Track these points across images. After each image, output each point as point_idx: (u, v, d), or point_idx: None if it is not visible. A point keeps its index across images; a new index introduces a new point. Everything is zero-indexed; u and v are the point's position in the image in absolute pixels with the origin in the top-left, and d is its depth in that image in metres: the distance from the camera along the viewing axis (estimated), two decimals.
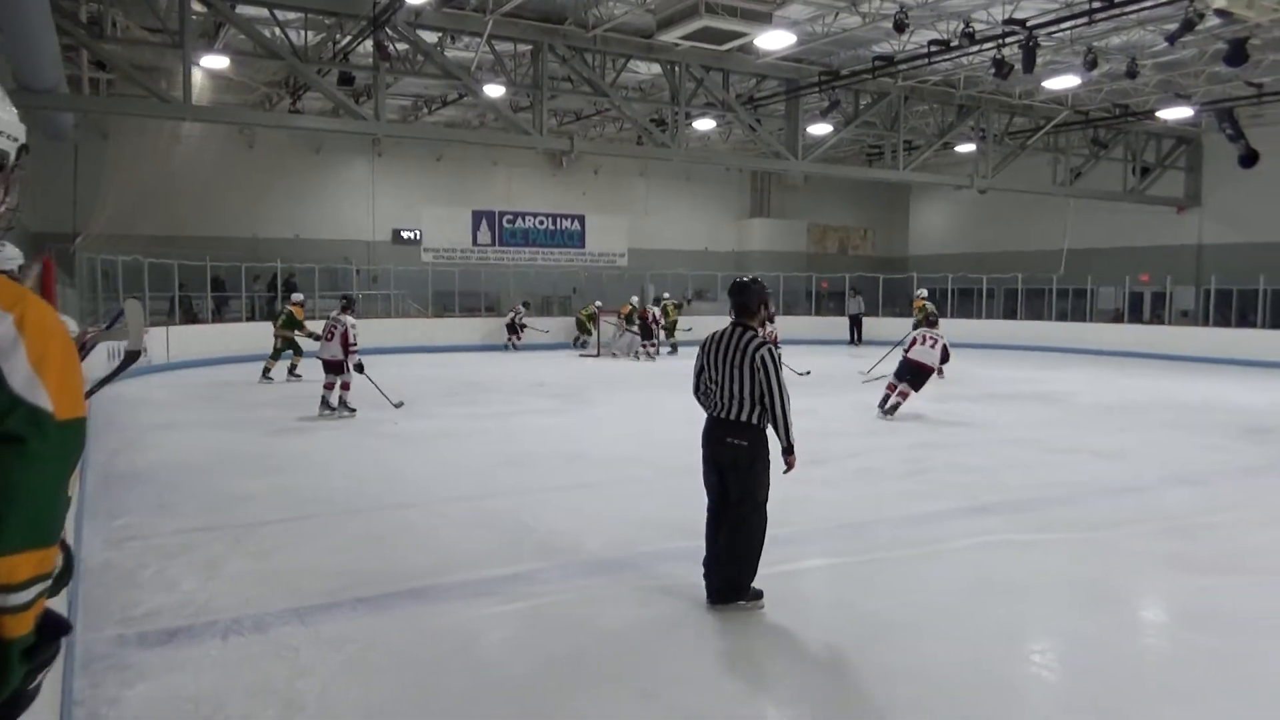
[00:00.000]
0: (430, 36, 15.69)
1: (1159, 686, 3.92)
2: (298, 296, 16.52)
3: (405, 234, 26.43)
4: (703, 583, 4.70)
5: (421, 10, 13.87)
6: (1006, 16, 14.53)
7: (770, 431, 4.60)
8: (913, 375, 11.28)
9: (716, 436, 4.65)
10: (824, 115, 19.68)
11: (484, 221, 27.54)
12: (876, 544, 5.75)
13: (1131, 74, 16.05)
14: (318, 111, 19.91)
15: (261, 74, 19.12)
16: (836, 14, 15.09)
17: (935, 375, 11.79)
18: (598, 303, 22.49)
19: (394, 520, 6.44)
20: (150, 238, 18.58)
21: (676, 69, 17.62)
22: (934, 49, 15.88)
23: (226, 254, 21.13)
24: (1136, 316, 24.08)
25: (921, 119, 22.22)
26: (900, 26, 13.82)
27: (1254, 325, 20.77)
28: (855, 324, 25.95)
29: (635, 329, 20.87)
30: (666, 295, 23.60)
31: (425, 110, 22.48)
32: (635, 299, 22.11)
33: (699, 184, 30.51)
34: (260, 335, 20.24)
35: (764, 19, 12.97)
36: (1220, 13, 10.89)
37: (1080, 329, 23.34)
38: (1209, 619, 4.66)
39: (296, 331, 15.10)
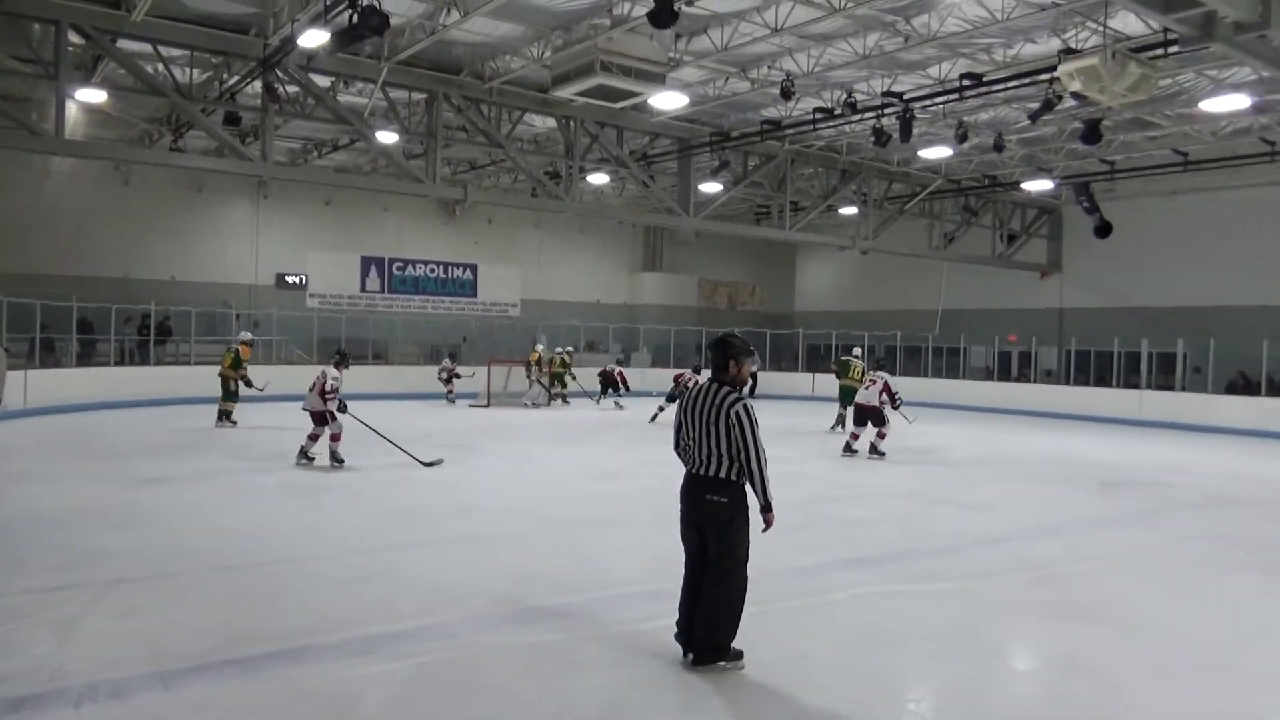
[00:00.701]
0: (323, 80, 15.51)
1: None
2: (246, 335, 16.39)
3: (290, 278, 25.72)
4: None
5: (315, 54, 13.70)
6: (885, 89, 15.35)
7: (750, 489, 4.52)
8: (860, 416, 13.04)
9: (695, 493, 4.59)
10: (714, 174, 20.26)
11: (373, 268, 27.08)
12: (765, 596, 5.80)
13: (998, 148, 17.15)
14: (201, 150, 19.34)
15: (142, 109, 18.48)
16: (727, 78, 15.64)
17: (892, 411, 13.15)
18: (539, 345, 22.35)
19: (268, 577, 6.18)
20: (12, 275, 17.55)
21: (572, 124, 17.87)
22: (818, 116, 16.63)
23: (96, 295, 20.11)
24: (1005, 374, 25.38)
25: (807, 181, 23.10)
26: (787, 94, 14.41)
27: (1109, 384, 22.15)
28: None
29: (545, 379, 21.02)
30: (570, 348, 23.73)
31: (315, 153, 22.09)
32: (541, 347, 22.10)
33: (593, 236, 30.82)
34: (130, 380, 19.38)
35: (658, 80, 13.32)
36: (1076, 95, 11.76)
37: (954, 385, 24.42)
38: (1077, 666, 4.88)
39: (238, 372, 15.10)
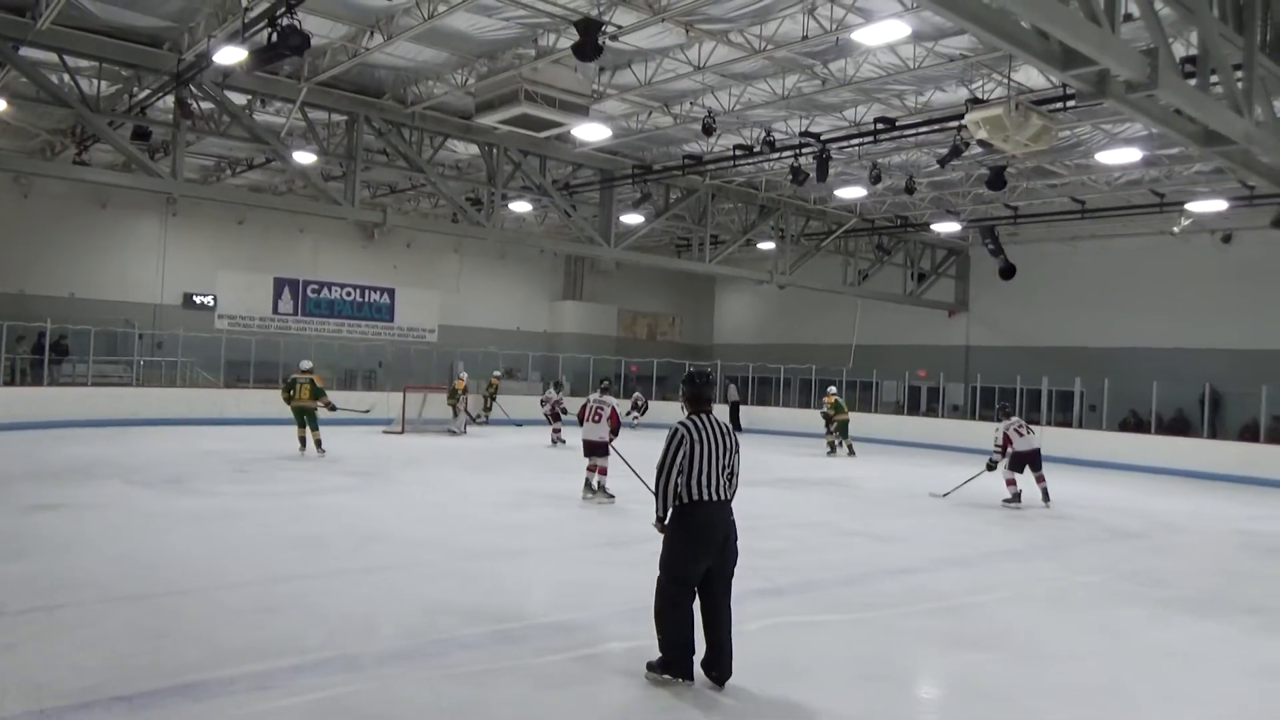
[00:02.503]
0: (239, 98, 15.18)
1: None
2: (307, 364, 16.07)
3: (198, 299, 24.94)
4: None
5: (231, 71, 13.42)
6: (803, 129, 15.79)
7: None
8: None
9: (726, 518, 4.97)
10: (636, 206, 20.47)
11: (287, 289, 26.44)
12: None
13: (910, 190, 17.77)
14: (107, 164, 18.66)
15: (45, 120, 17.78)
16: (650, 112, 15.86)
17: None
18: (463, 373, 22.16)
19: (164, 609, 5.93)
20: None
21: (494, 151, 17.86)
22: (738, 153, 16.98)
23: None
24: (915, 409, 26.07)
25: (727, 215, 23.50)
26: (708, 130, 14.68)
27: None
28: (734, 411, 26.41)
29: (469, 407, 21.04)
30: (497, 373, 23.74)
31: (228, 171, 21.53)
32: (465, 375, 21.95)
33: (513, 264, 30.73)
34: (23, 400, 18.46)
35: (581, 111, 13.42)
36: (982, 143, 12.28)
37: (867, 419, 24.96)
38: (978, 694, 5.03)
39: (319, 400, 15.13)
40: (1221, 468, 18.50)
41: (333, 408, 15.51)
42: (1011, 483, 12.76)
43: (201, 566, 7.07)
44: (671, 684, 4.74)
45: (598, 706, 4.55)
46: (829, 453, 19.98)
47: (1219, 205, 17.86)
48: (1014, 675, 5.35)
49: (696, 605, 4.85)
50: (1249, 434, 19.54)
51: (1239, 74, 8.50)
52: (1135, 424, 21.50)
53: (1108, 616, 6.93)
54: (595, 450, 11.29)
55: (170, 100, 14.20)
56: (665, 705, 4.57)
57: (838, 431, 20.04)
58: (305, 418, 15.30)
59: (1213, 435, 20.12)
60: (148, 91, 14.64)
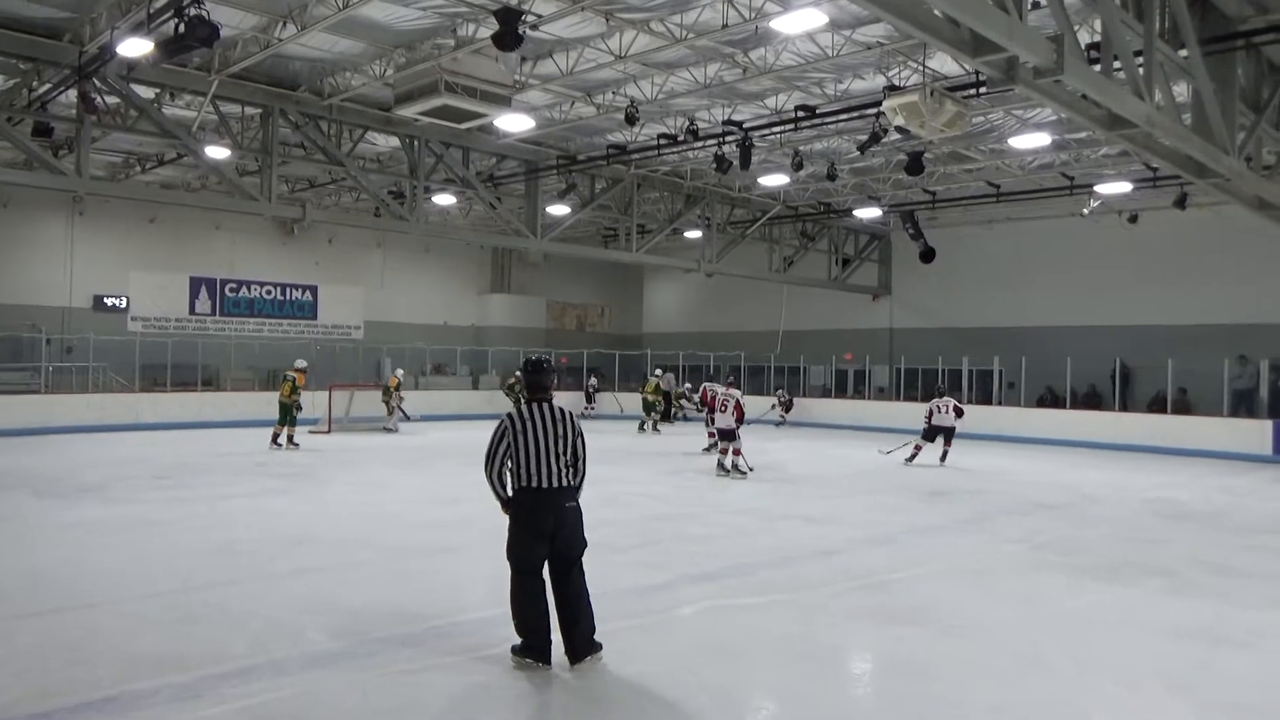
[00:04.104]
0: (147, 91, 14.64)
1: None
2: (302, 363, 17.58)
3: (109, 301, 24.05)
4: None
5: (137, 64, 12.93)
6: (726, 118, 15.89)
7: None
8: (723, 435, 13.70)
9: (556, 504, 4.95)
10: (562, 196, 20.38)
11: (204, 289, 25.66)
12: (606, 615, 5.83)
13: (831, 176, 18.04)
14: (6, 162, 17.82)
15: None
16: (573, 103, 15.78)
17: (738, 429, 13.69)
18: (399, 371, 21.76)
19: (79, 622, 5.72)
20: None
21: (416, 143, 17.58)
22: (662, 142, 17.03)
23: None
24: (842, 392, 26.55)
25: (653, 205, 23.54)
26: (631, 119, 14.68)
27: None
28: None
29: (400, 403, 20.69)
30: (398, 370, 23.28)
31: (138, 168, 20.77)
32: (401, 372, 21.63)
33: (439, 257, 30.33)
34: None
35: (503, 102, 13.28)
36: (900, 129, 12.52)
37: (796, 403, 25.33)
38: (906, 667, 5.16)
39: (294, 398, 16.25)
40: (1132, 439, 19.30)
41: (299, 408, 16.63)
42: (918, 448, 15.63)
43: (118, 577, 6.84)
44: (532, 668, 4.84)
45: (535, 702, 4.54)
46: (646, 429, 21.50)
47: (1125, 187, 18.54)
48: (939, 648, 5.50)
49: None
50: (1157, 406, 20.40)
51: (1139, 60, 8.83)
52: (1051, 400, 22.27)
53: (1028, 586, 7.18)
54: (726, 435, 13.34)
55: (73, 94, 13.63)
56: (600, 697, 4.59)
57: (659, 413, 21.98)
58: (285, 413, 16.39)
59: (1123, 408, 20.96)
60: (48, 85, 14.02)
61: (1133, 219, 20.58)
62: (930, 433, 15.59)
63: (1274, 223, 14.02)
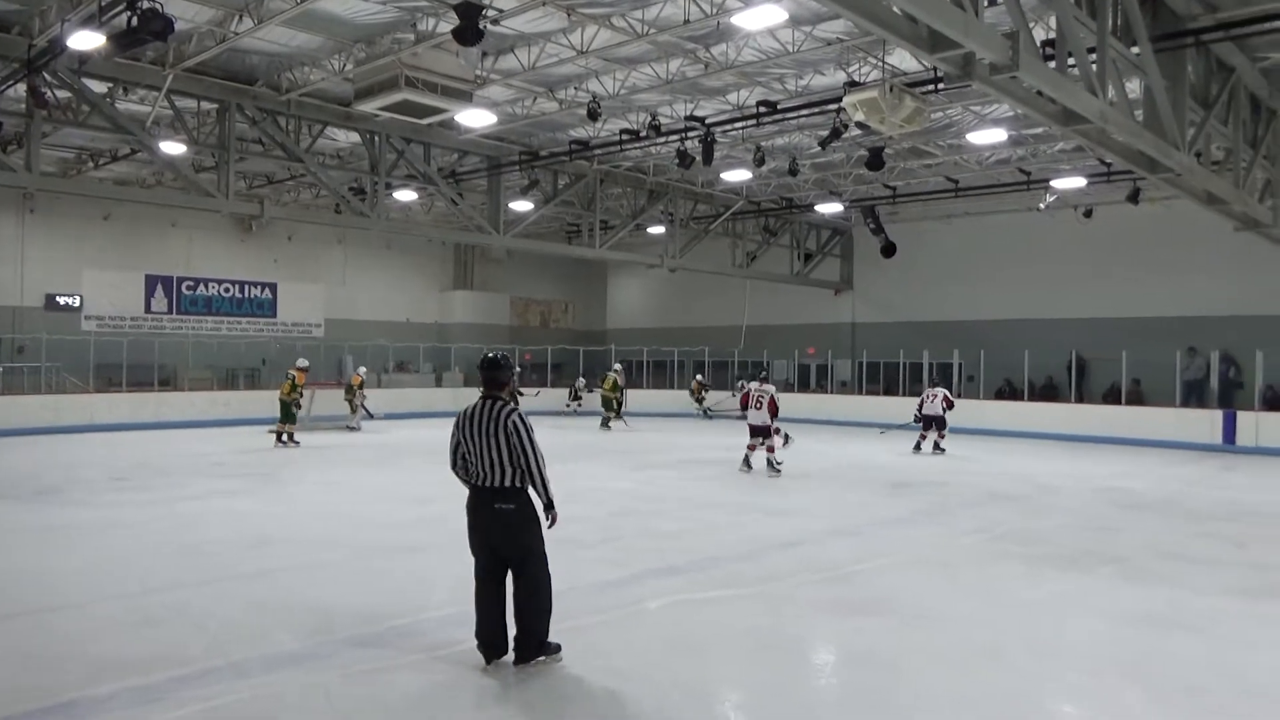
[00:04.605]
0: (100, 85, 14.34)
1: None
2: (303, 362, 17.74)
3: (62, 300, 23.54)
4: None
5: (89, 57, 12.66)
6: (688, 113, 15.93)
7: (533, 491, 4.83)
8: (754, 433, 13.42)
9: (484, 505, 4.79)
10: (524, 192, 20.30)
11: (160, 287, 25.20)
12: (572, 611, 5.85)
13: (793, 171, 18.14)
14: None
15: None
16: (535, 98, 15.72)
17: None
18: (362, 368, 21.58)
19: (39, 625, 5.62)
20: None
21: (376, 139, 17.42)
22: (625, 137, 17.02)
23: None
24: (805, 386, 26.76)
25: (616, 200, 23.53)
26: (594, 115, 14.65)
27: (896, 394, 23.79)
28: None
29: (363, 402, 20.49)
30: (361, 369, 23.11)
31: (91, 164, 20.35)
32: (364, 369, 21.45)
33: (400, 254, 30.07)
34: None
35: (465, 97, 13.20)
36: (860, 125, 12.63)
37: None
38: (868, 658, 5.23)
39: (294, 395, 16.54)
40: (1088, 430, 19.67)
41: (298, 405, 16.94)
42: (922, 436, 16.54)
43: (76, 581, 6.72)
44: (550, 662, 4.84)
45: (498, 698, 4.53)
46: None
47: (1079, 182, 18.87)
48: (900, 639, 5.58)
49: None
50: (1112, 397, 20.81)
51: (1093, 57, 8.99)
52: (1009, 392, 22.60)
53: (987, 576, 7.29)
54: (759, 432, 13.19)
55: (22, 89, 13.32)
56: (567, 694, 4.59)
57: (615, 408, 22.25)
58: (284, 412, 16.60)
59: (1079, 400, 21.34)
60: None
61: (1087, 213, 20.94)
62: (923, 422, 16.55)
63: (1223, 217, 14.35)
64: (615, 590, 6.54)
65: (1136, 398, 20.48)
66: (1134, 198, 18.34)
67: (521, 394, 24.55)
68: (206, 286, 25.96)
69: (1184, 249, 20.75)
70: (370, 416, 21.31)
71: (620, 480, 12.42)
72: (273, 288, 27.25)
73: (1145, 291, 21.62)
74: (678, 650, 5.25)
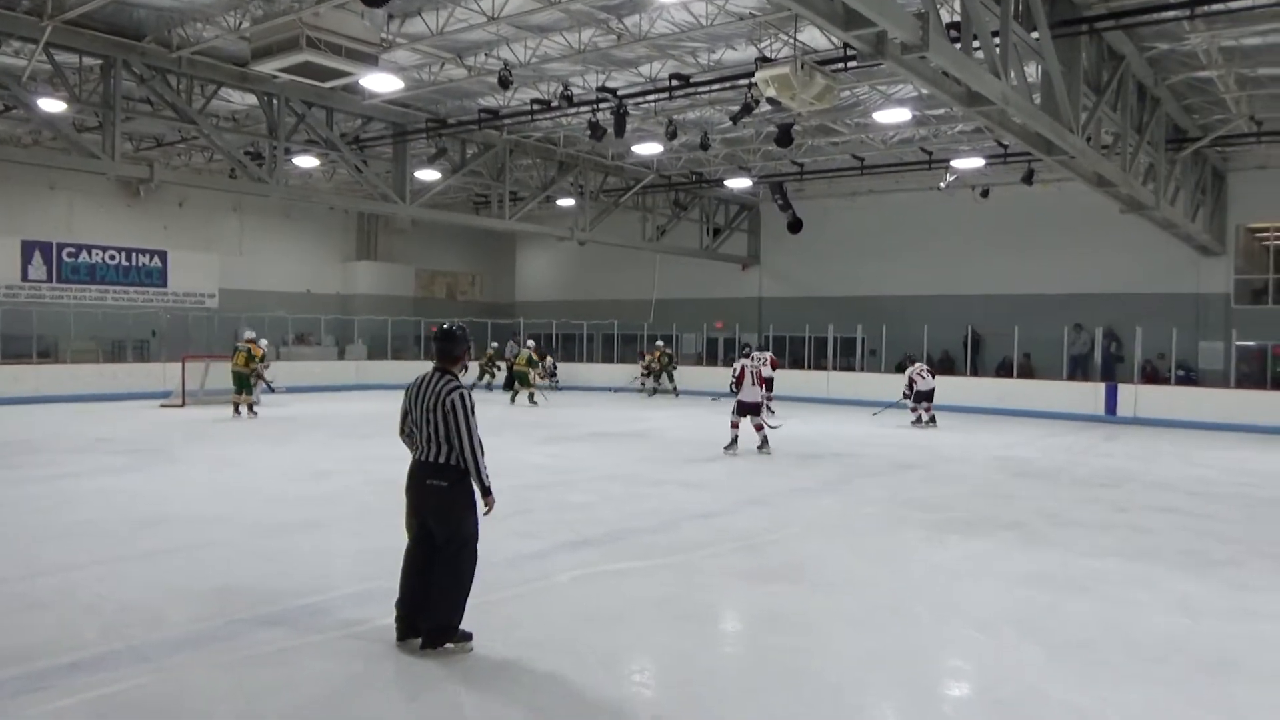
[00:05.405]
0: None
1: (739, 688, 4.37)
2: (250, 334, 17.57)
3: None
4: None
5: None
6: (600, 84, 15.78)
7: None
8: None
9: (419, 479, 4.68)
10: (431, 161, 19.84)
11: (38, 253, 23.70)
12: (486, 584, 5.77)
13: (704, 146, 18.17)
14: None
15: None
16: (443, 64, 15.33)
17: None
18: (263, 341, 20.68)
19: None
20: None
21: (275, 101, 16.73)
22: (536, 107, 16.78)
23: None
24: (713, 360, 27.05)
25: (526, 172, 23.23)
26: (505, 83, 14.37)
27: (803, 367, 24.28)
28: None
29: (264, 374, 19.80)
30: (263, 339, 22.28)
31: None
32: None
33: (301, 223, 29.09)
34: None
35: (369, 61, 12.75)
36: (771, 101, 12.73)
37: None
38: (779, 622, 5.33)
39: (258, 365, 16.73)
40: (983, 402, 20.47)
41: (261, 376, 17.09)
42: (915, 410, 17.07)
43: None
44: (459, 651, 4.68)
45: (413, 675, 4.45)
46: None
47: (978, 162, 19.50)
48: (810, 603, 5.71)
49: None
50: (1004, 371, 21.68)
51: (996, 40, 9.24)
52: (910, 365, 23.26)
53: (891, 542, 7.52)
54: (748, 409, 12.71)
55: None
56: (480, 668, 4.53)
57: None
58: (242, 383, 16.69)
59: (974, 373, 22.17)
60: None
61: (984, 194, 21.66)
62: (918, 396, 17.02)
63: (1110, 199, 15.02)
64: (528, 564, 6.50)
65: (1027, 371, 21.39)
66: (1028, 179, 19.04)
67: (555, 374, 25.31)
68: (90, 254, 24.55)
69: (1073, 229, 21.68)
70: (270, 390, 20.58)
71: (530, 454, 12.32)
72: (163, 256, 25.97)
73: (1036, 269, 22.54)
74: (590, 622, 5.25)
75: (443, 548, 4.66)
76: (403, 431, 4.84)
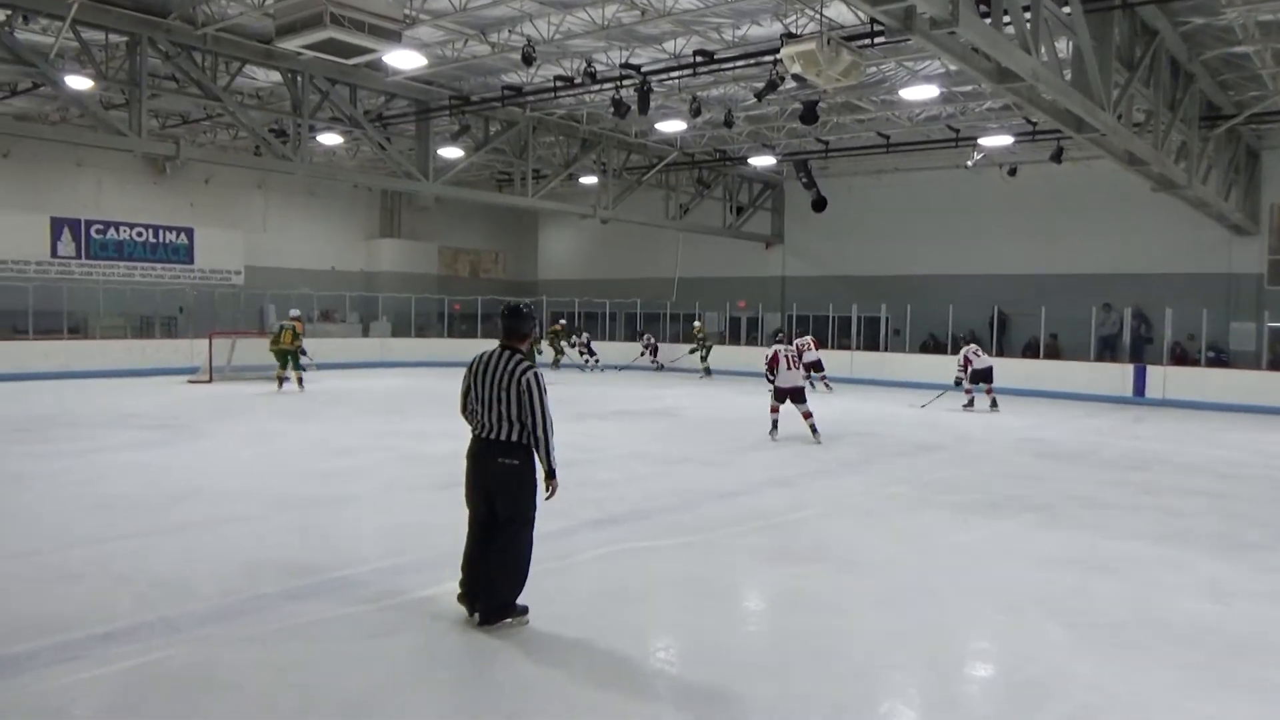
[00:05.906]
0: None
1: (762, 665, 4.37)
2: (296, 312, 18.02)
3: None
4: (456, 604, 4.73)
5: None
6: (624, 61, 15.67)
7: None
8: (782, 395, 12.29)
9: (486, 457, 4.66)
10: (454, 139, 19.82)
11: (67, 230, 23.99)
12: None
13: (728, 123, 18.06)
14: None
15: None
16: (466, 40, 15.27)
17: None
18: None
19: None
20: None
21: (299, 79, 16.74)
22: (559, 84, 16.69)
23: None
24: (736, 339, 26.97)
25: (548, 149, 23.16)
26: (528, 59, 14.31)
27: (826, 347, 24.12)
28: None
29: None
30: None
31: None
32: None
33: (325, 200, 29.20)
34: None
35: (393, 37, 12.70)
36: (796, 78, 12.61)
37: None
38: (801, 601, 5.34)
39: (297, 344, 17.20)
40: (1009, 383, 20.20)
41: (304, 352, 17.70)
42: (970, 391, 16.55)
43: None
44: (516, 625, 4.73)
45: (435, 652, 4.49)
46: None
47: (1006, 140, 19.23)
48: (834, 583, 5.70)
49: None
50: (1031, 351, 21.47)
51: (1027, 15, 9.08)
52: (934, 346, 23.16)
53: (915, 522, 7.49)
54: (787, 395, 12.12)
55: None
56: (506, 641, 4.57)
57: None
58: (287, 358, 17.30)
59: (1000, 354, 21.93)
60: None
61: (1012, 172, 21.36)
62: (975, 376, 16.36)
63: (1141, 177, 14.78)
64: (554, 541, 6.52)
65: (1054, 352, 21.17)
66: (1057, 157, 18.76)
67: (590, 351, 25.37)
68: (118, 230, 24.81)
69: (1101, 208, 21.37)
70: (308, 365, 20.64)
71: (557, 432, 12.30)
72: (189, 233, 26.21)
73: (1065, 249, 22.26)
74: (615, 600, 5.27)
75: (505, 526, 4.67)
76: (464, 409, 4.81)
